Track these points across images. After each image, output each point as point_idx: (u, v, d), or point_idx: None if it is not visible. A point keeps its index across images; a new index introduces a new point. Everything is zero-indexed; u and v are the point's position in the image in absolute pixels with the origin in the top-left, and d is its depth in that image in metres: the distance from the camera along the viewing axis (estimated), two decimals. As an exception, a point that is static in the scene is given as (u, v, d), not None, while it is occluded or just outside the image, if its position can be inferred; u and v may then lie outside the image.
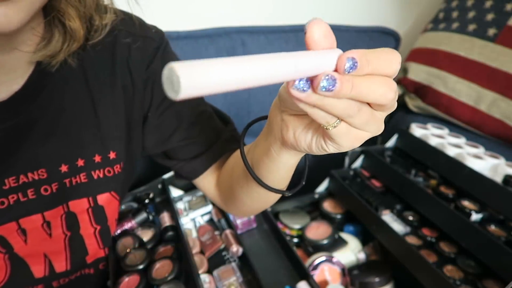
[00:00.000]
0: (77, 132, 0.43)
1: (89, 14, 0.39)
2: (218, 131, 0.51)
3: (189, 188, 0.70)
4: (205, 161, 0.50)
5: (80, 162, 0.44)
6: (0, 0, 0.27)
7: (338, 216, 0.69)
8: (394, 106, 0.25)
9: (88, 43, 0.41)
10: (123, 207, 0.63)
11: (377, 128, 0.26)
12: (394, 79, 0.24)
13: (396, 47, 1.03)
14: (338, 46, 0.23)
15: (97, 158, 0.45)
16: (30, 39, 0.37)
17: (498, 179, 0.60)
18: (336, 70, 0.22)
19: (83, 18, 0.38)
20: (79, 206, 0.45)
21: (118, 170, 0.47)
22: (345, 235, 0.65)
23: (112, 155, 0.46)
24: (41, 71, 0.39)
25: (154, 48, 0.46)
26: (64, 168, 0.42)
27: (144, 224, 0.58)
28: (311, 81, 0.22)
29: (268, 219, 0.65)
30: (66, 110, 0.41)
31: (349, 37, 0.95)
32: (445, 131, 0.76)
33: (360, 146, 0.76)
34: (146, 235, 0.56)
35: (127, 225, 0.57)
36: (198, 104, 0.50)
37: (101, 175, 0.45)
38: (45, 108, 0.40)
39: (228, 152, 0.50)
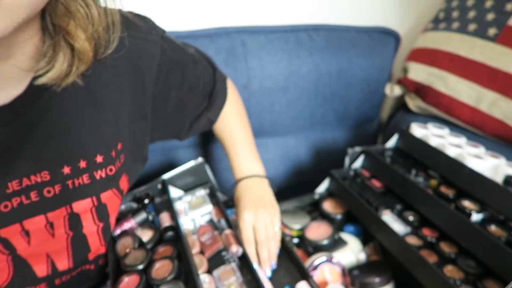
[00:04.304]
0: (78, 134, 0.43)
1: (97, 33, 0.38)
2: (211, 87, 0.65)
3: (189, 188, 0.70)
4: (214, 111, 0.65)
5: (82, 164, 0.44)
6: None
7: (338, 216, 0.69)
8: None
9: (95, 61, 0.40)
10: (123, 207, 0.63)
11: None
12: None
13: (396, 47, 1.03)
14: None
15: (99, 159, 0.45)
16: (25, 49, 0.36)
17: (499, 179, 0.60)
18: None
19: (92, 39, 0.37)
20: (83, 206, 0.46)
21: (119, 165, 0.48)
22: (345, 235, 0.65)
23: (113, 153, 0.47)
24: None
25: (160, 49, 0.51)
26: (66, 170, 0.43)
27: (144, 224, 0.58)
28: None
29: (268, 219, 0.65)
30: (67, 112, 0.42)
31: (349, 37, 0.95)
32: (445, 131, 0.76)
33: (360, 146, 0.76)
34: (146, 235, 0.56)
35: (127, 225, 0.57)
36: (194, 71, 0.60)
37: (103, 175, 0.46)
38: (45, 111, 0.40)
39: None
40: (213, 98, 0.64)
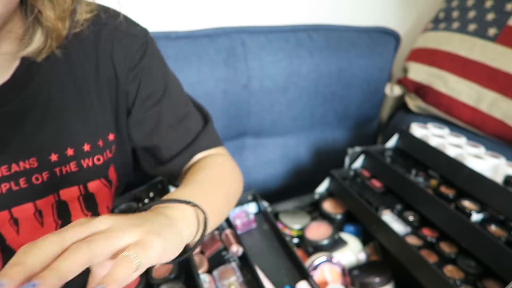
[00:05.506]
0: (66, 122, 0.44)
1: (68, 12, 0.40)
2: (194, 132, 0.55)
3: (189, 188, 0.70)
4: (180, 161, 0.54)
5: (70, 152, 0.45)
6: None
7: (338, 216, 0.69)
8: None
9: (70, 33, 0.42)
10: (123, 206, 0.63)
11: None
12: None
13: (396, 47, 1.03)
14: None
15: (86, 147, 0.46)
16: (10, 36, 0.38)
17: (499, 179, 0.60)
18: None
19: (64, 19, 0.39)
20: (70, 194, 0.46)
21: (108, 156, 0.48)
22: (345, 235, 0.65)
23: (100, 142, 0.47)
24: (27, 65, 0.40)
25: (140, 45, 0.48)
26: (54, 157, 0.43)
27: (144, 224, 0.58)
28: None
29: (268, 219, 0.65)
30: (54, 100, 0.43)
31: (349, 37, 0.95)
32: (445, 131, 0.76)
33: (360, 146, 0.76)
34: (146, 235, 0.56)
35: (127, 225, 0.57)
36: (178, 105, 0.54)
37: (90, 164, 0.47)
38: (35, 98, 0.41)
39: (200, 152, 0.54)
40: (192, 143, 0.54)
